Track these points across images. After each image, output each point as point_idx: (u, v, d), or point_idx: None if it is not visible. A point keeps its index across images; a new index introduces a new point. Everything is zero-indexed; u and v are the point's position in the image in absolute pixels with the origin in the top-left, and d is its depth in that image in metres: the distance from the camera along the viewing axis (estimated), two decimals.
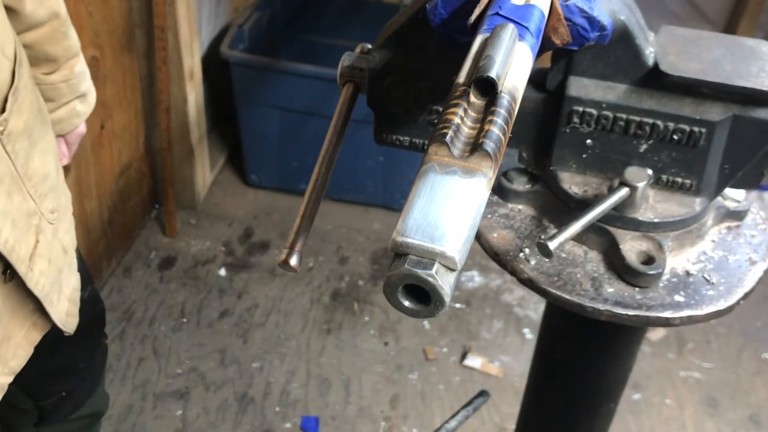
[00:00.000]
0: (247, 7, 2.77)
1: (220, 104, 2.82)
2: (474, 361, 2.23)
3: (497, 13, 0.53)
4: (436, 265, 0.37)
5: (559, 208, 0.71)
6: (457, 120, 0.44)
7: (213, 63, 2.68)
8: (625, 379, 0.82)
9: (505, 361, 2.24)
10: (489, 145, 0.42)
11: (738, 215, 0.73)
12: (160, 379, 2.13)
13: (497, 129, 0.44)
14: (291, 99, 2.50)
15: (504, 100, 0.46)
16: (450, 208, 0.39)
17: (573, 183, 0.70)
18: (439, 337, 2.30)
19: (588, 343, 0.77)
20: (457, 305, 2.39)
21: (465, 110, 0.45)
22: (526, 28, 0.52)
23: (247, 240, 2.58)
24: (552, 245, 0.61)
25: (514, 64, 0.49)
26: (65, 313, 1.09)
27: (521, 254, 0.69)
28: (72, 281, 1.12)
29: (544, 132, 0.69)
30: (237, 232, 2.61)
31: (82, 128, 1.25)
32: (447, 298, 0.37)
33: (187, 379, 2.13)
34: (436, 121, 0.49)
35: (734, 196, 0.73)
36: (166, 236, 2.56)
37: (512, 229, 0.72)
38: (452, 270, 0.38)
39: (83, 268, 1.26)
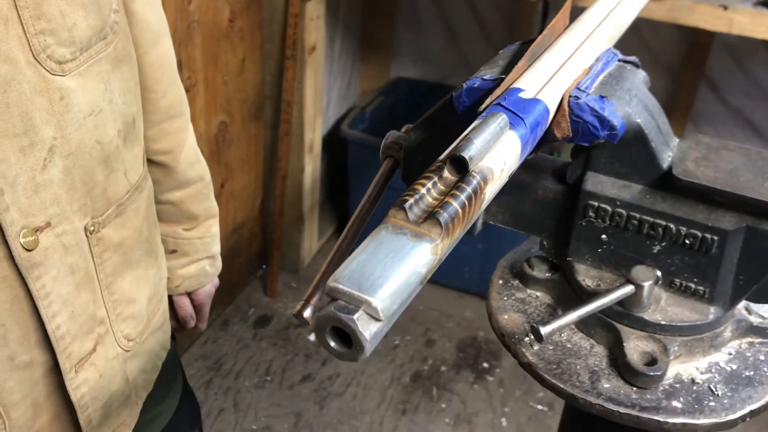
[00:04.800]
0: (373, 91, 2.93)
1: (337, 179, 2.97)
2: None
3: (499, 104, 0.58)
4: (359, 312, 0.41)
5: (573, 299, 0.72)
6: (423, 190, 0.49)
7: (334, 140, 2.84)
8: None
9: None
10: (442, 216, 0.46)
11: (763, 332, 0.71)
12: None
13: (457, 203, 0.48)
14: (400, 180, 2.59)
15: (473, 179, 0.50)
16: (387, 263, 0.43)
17: (588, 276, 0.71)
18: None
19: None
20: (539, 407, 2.32)
21: (435, 183, 0.50)
22: (521, 119, 0.56)
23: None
24: (544, 331, 0.63)
25: (496, 149, 0.53)
26: None
27: (526, 338, 0.71)
28: (127, 420, 1.05)
29: (564, 223, 0.71)
30: None
31: (210, 288, 1.28)
32: (366, 344, 0.41)
33: None
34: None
35: (760, 311, 0.71)
36: (267, 296, 2.68)
37: (524, 314, 0.74)
38: (376, 320, 0.41)
39: (191, 411, 1.25)
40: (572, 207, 0.70)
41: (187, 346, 2.44)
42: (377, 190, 0.77)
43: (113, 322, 0.99)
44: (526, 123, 0.56)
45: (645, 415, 0.63)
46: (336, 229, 2.99)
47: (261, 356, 2.45)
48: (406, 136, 0.75)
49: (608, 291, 0.66)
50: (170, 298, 1.23)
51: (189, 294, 1.26)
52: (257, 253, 2.73)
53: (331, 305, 0.42)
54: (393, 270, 0.43)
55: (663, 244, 0.67)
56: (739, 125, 2.68)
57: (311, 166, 2.64)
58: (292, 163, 2.58)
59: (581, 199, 0.68)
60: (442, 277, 2.68)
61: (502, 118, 0.55)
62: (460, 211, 0.48)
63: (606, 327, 0.69)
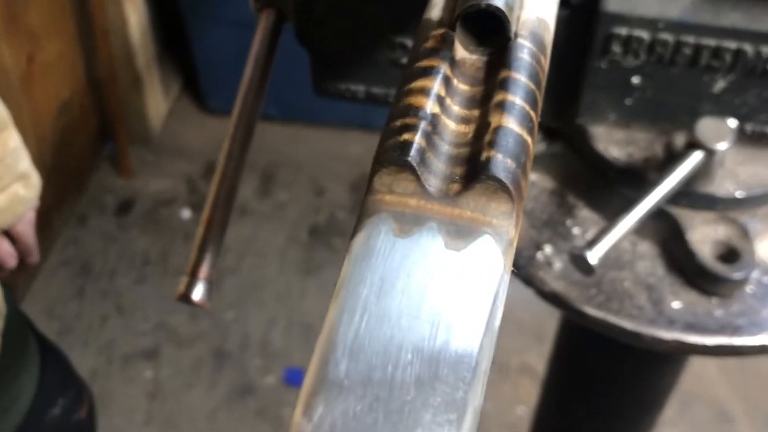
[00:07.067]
0: None
1: (171, 24, 2.52)
2: None
3: None
4: None
5: (591, 178, 0.48)
6: (430, 106, 0.21)
7: None
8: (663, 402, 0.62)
9: None
10: (501, 165, 0.19)
11: None
12: (126, 338, 1.94)
13: (515, 120, 0.21)
14: (248, 12, 2.20)
15: (523, 53, 0.23)
16: (426, 335, 0.17)
17: (611, 142, 0.47)
18: None
19: (617, 358, 0.57)
20: None
21: (447, 81, 0.22)
22: None
23: (211, 175, 2.33)
24: (592, 258, 0.39)
25: None
26: None
27: (539, 254, 0.47)
28: None
29: (568, 68, 0.46)
30: (199, 167, 2.37)
31: (31, 214, 1.00)
32: None
33: (155, 337, 1.94)
34: (392, 101, 0.26)
35: None
36: (121, 176, 2.31)
37: (524, 213, 0.50)
38: None
39: (57, 368, 1.03)
40: (583, 42, 0.44)
41: (43, 255, 2.09)
42: (261, 67, 0.48)
43: None
44: None
45: (740, 340, 0.43)
46: (184, 84, 2.59)
47: (133, 247, 2.15)
48: None
49: (669, 165, 0.42)
50: None
51: (5, 231, 0.95)
52: (97, 130, 2.32)
53: None
54: (447, 354, 0.17)
55: (730, 78, 0.43)
56: None
57: (136, 15, 2.19)
58: (112, 14, 2.12)
59: (600, 27, 0.43)
60: (319, 115, 2.40)
61: None
62: (526, 136, 0.21)
63: (654, 214, 0.46)
